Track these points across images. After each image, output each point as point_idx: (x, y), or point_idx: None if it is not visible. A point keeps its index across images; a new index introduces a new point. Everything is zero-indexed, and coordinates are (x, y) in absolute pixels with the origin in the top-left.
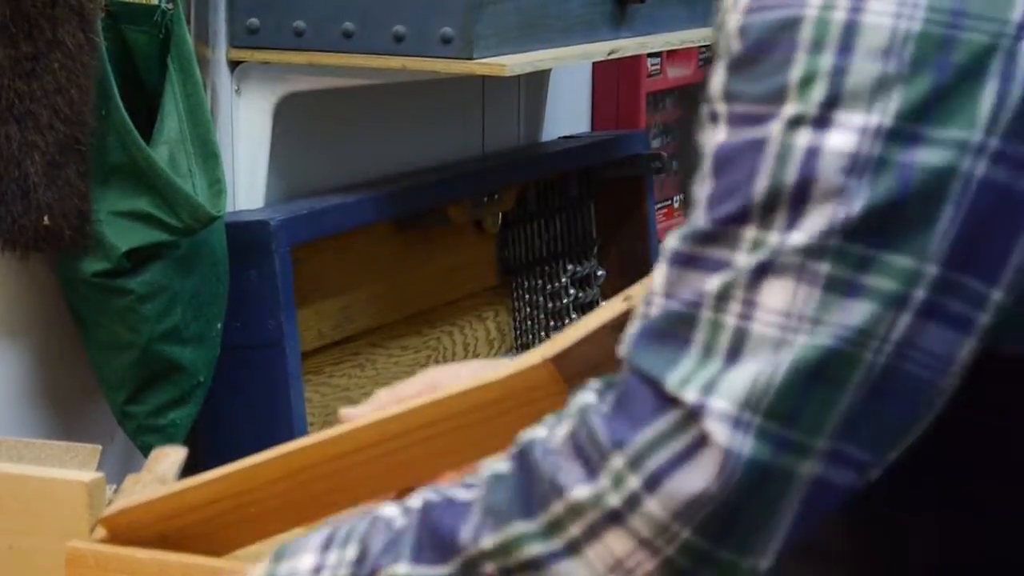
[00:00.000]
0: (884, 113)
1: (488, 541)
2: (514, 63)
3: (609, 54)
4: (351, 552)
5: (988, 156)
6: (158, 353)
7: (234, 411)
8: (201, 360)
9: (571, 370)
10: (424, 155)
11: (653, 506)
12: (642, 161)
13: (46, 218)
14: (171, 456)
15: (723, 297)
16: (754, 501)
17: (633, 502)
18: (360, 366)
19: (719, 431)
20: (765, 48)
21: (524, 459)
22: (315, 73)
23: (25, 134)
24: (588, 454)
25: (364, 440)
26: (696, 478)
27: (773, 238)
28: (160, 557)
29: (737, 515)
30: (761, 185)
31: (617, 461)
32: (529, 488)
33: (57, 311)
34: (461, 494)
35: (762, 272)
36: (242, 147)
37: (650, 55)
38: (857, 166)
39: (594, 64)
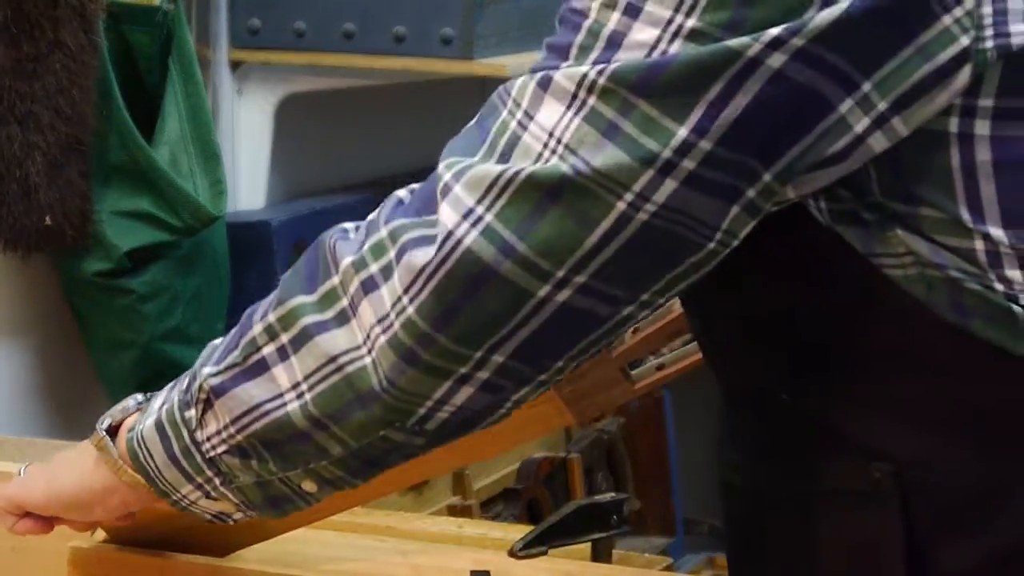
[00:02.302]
0: (691, 12)
1: (272, 316)
2: (514, 63)
3: None
4: (184, 380)
5: (788, 51)
6: (159, 353)
7: None
8: None
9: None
10: (424, 155)
11: (395, 277)
12: None
13: (47, 218)
14: None
15: (516, 102)
16: (470, 293)
17: (387, 271)
18: None
19: (448, 214)
20: None
21: (316, 245)
22: (316, 74)
23: (26, 134)
24: (368, 232)
25: None
26: (425, 253)
27: (564, 63)
28: (161, 557)
29: (454, 303)
30: (571, 52)
31: (383, 233)
32: (314, 266)
33: (58, 311)
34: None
35: (543, 86)
36: (243, 147)
37: None
38: (653, 57)
39: None
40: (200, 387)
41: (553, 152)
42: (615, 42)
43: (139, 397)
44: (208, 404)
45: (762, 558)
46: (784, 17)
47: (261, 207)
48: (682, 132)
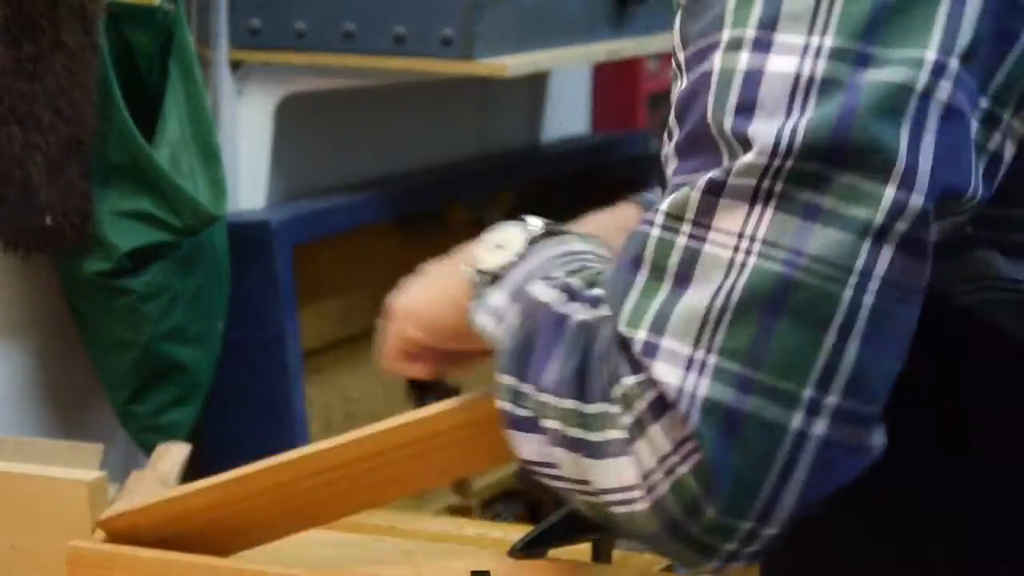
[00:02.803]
0: (826, 32)
1: (548, 398)
2: (514, 63)
3: (609, 54)
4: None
5: (950, 78)
6: (159, 353)
7: (235, 411)
8: (202, 360)
9: None
10: (424, 155)
11: (655, 438)
12: (642, 161)
13: (48, 218)
14: (174, 453)
15: (675, 217)
16: (734, 452)
17: (640, 426)
18: (360, 365)
19: (667, 372)
20: None
21: (589, 350)
22: (316, 74)
23: (27, 135)
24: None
25: (364, 450)
26: (662, 438)
27: (723, 161)
28: (161, 556)
29: (719, 469)
30: (709, 115)
31: (611, 415)
32: (579, 371)
33: (59, 311)
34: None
35: (712, 192)
36: (243, 147)
37: (650, 55)
38: (800, 87)
39: (594, 64)
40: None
41: (749, 253)
42: (752, 81)
43: (520, 243)
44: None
45: None
46: (919, 22)
47: (261, 207)
48: (889, 191)
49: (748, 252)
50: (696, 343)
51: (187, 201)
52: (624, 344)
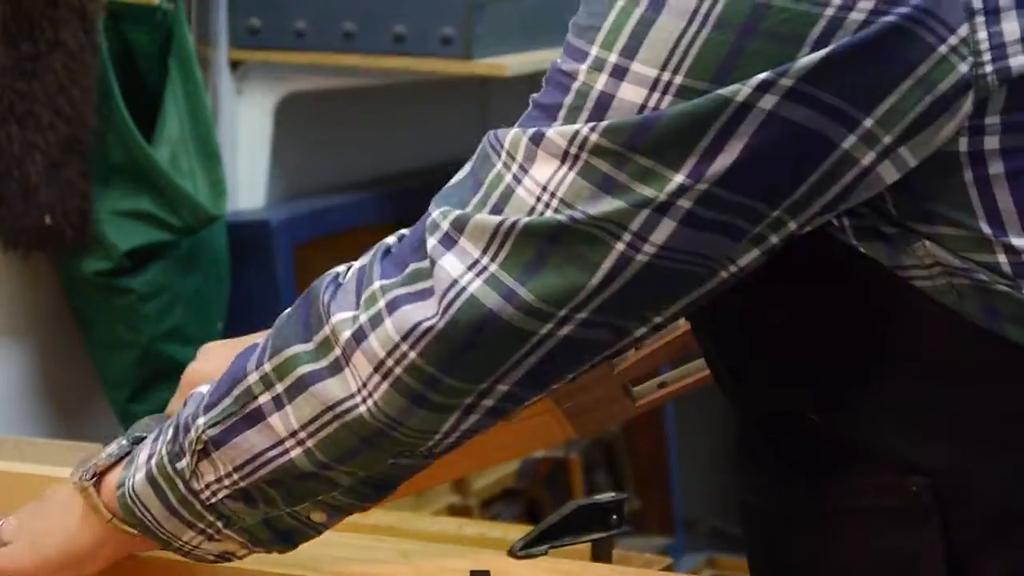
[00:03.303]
0: (678, 70)
1: (268, 365)
2: (514, 63)
3: None
4: (170, 431)
5: (779, 92)
6: (159, 352)
7: None
8: None
9: (560, 390)
10: (424, 155)
11: (389, 327)
12: None
13: (47, 217)
14: None
15: (510, 155)
16: (474, 339)
17: (376, 321)
18: None
19: (453, 264)
20: None
21: (309, 293)
22: (316, 73)
23: (26, 134)
24: (360, 287)
25: None
26: (424, 305)
27: (558, 123)
28: (160, 556)
29: (459, 348)
30: (561, 114)
31: (375, 287)
32: (307, 316)
33: (58, 310)
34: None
35: (536, 141)
36: (243, 147)
37: None
38: (643, 116)
39: None
40: (197, 438)
41: (547, 206)
42: (604, 104)
43: (123, 443)
44: (205, 453)
45: None
46: (771, 66)
47: (261, 207)
48: (678, 178)
49: (547, 205)
50: (483, 251)
51: (187, 201)
52: (430, 231)
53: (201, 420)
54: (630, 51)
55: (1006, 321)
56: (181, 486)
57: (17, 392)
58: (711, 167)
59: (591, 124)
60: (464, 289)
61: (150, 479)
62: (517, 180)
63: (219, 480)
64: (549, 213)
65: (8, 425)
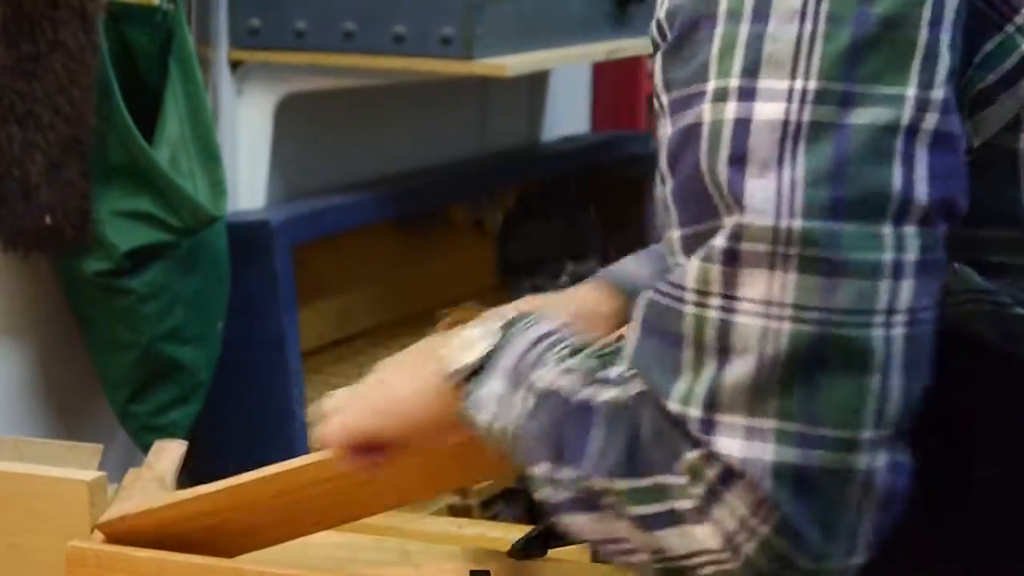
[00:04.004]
0: (808, 74)
1: (620, 483)
2: (514, 63)
3: (609, 54)
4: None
5: (935, 109)
6: (159, 352)
7: (234, 411)
8: (202, 359)
9: None
10: (424, 155)
11: (705, 531)
12: (642, 161)
13: (47, 218)
14: (171, 451)
15: (700, 291)
16: (812, 506)
17: (714, 494)
18: (360, 366)
19: (731, 445)
20: (689, 28)
21: (637, 424)
22: (316, 73)
23: (26, 134)
24: (673, 456)
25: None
26: (733, 510)
27: (721, 215)
28: (160, 557)
29: (801, 526)
30: (703, 165)
31: (665, 484)
32: (629, 453)
33: (59, 311)
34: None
35: (731, 262)
36: (243, 147)
37: (650, 55)
38: (788, 134)
39: (594, 64)
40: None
41: (781, 319)
42: (741, 131)
43: (490, 336)
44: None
45: None
46: (896, 55)
47: (261, 207)
48: (887, 230)
49: (780, 318)
50: (751, 413)
51: (187, 201)
52: (678, 422)
53: (583, 469)
54: (751, 69)
55: (1018, 345)
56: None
57: (17, 392)
58: (913, 205)
59: (786, 209)
60: (759, 461)
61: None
62: (729, 310)
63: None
64: (788, 326)
65: (8, 425)
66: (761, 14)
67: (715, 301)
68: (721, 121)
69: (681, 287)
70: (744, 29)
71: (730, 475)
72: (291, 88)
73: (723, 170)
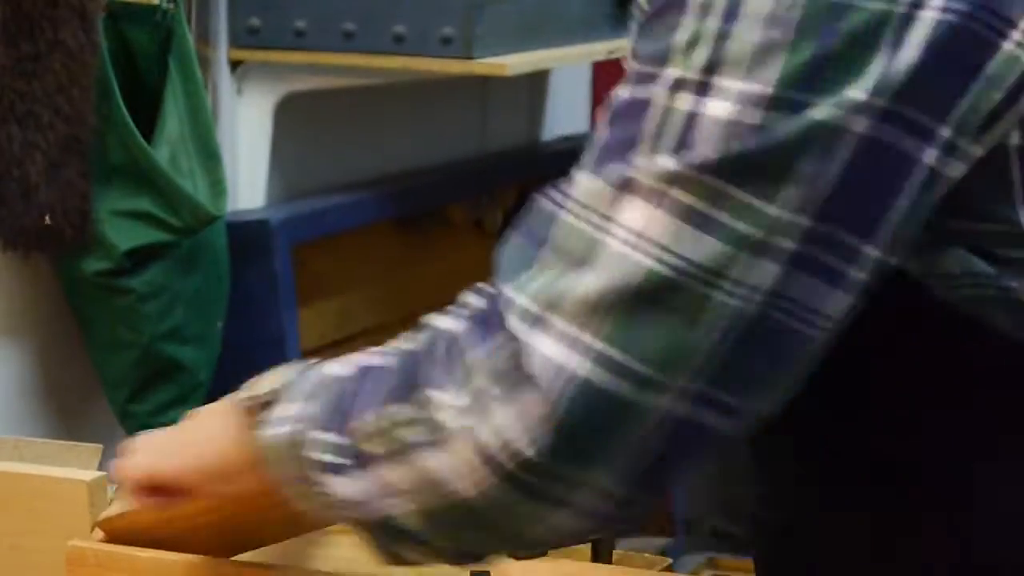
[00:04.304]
0: (765, 81)
1: (369, 420)
2: (514, 63)
3: (609, 54)
4: (326, 405)
5: (873, 114)
6: (159, 352)
7: None
8: (202, 359)
9: None
10: (424, 155)
11: (498, 417)
12: None
13: (47, 217)
14: None
15: (586, 205)
16: (593, 424)
17: (482, 411)
18: None
19: (552, 348)
20: (663, 9)
21: (450, 342)
22: (316, 73)
23: (26, 134)
24: (456, 363)
25: None
26: (532, 401)
27: (637, 158)
28: (160, 556)
29: (575, 436)
30: (643, 147)
31: (475, 383)
32: (408, 383)
33: (58, 310)
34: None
35: (621, 186)
36: (243, 147)
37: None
38: (734, 135)
39: (594, 64)
40: (308, 460)
41: (645, 254)
42: (690, 128)
43: (288, 374)
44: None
45: None
46: (853, 69)
47: (261, 207)
48: (773, 211)
49: (646, 253)
50: (583, 327)
51: (186, 200)
52: (508, 307)
53: (315, 456)
54: (711, 66)
55: None
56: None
57: (17, 392)
58: (808, 197)
59: (679, 156)
60: (574, 375)
61: (290, 449)
62: (605, 231)
63: (335, 504)
64: (648, 263)
65: (8, 425)
66: (732, 13)
67: (593, 217)
68: (671, 109)
69: (566, 196)
70: (713, 24)
71: (525, 379)
72: (291, 88)
73: (663, 155)
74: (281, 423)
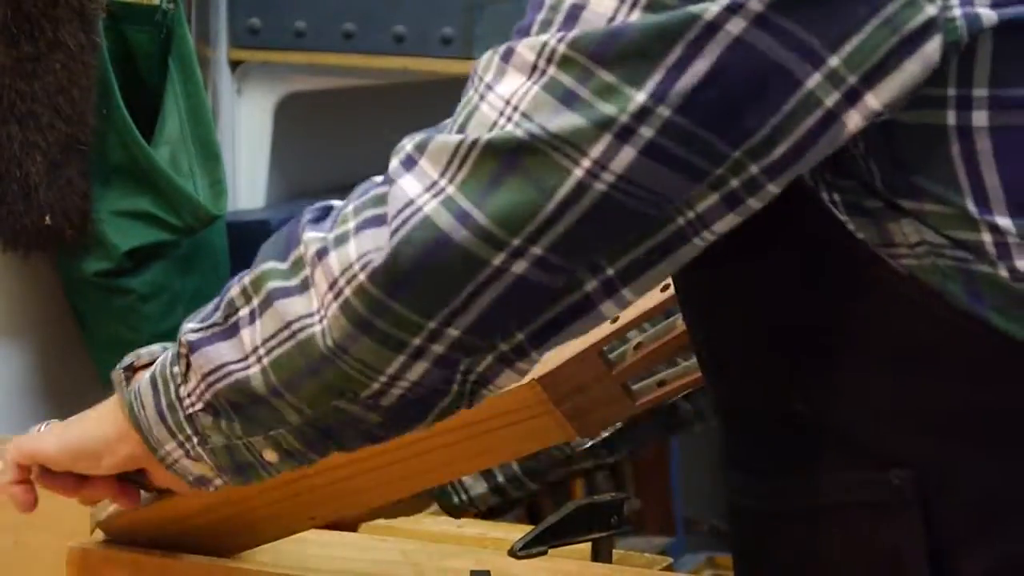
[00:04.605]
0: None
1: (247, 278)
2: None
3: None
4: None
5: (749, 18)
6: None
7: None
8: None
9: (558, 390)
10: None
11: (351, 245)
12: None
13: (47, 217)
14: None
15: (480, 77)
16: (425, 262)
17: (340, 241)
18: None
19: (411, 184)
20: None
21: (297, 216)
22: (316, 73)
23: (26, 134)
24: (341, 210)
25: (353, 456)
26: (381, 223)
27: (527, 37)
28: (161, 556)
29: (409, 271)
30: (532, 28)
31: (348, 208)
32: (289, 235)
33: (58, 310)
34: None
35: (505, 58)
36: (243, 147)
37: None
38: (612, 20)
39: None
40: (181, 342)
41: (508, 119)
42: (574, 15)
43: (166, 344)
44: (187, 360)
45: None
46: None
47: (261, 207)
48: (640, 97)
49: (508, 119)
50: (443, 171)
51: (187, 201)
52: (395, 152)
53: (189, 325)
54: None
55: (989, 307)
56: (172, 390)
57: (17, 392)
58: (673, 88)
59: (559, 35)
60: (419, 210)
61: (152, 379)
62: (482, 97)
63: (195, 389)
64: (509, 127)
65: (8, 425)
66: None
67: (480, 86)
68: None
69: (476, 68)
70: None
71: (382, 213)
72: (291, 88)
73: (545, 34)
74: (149, 372)
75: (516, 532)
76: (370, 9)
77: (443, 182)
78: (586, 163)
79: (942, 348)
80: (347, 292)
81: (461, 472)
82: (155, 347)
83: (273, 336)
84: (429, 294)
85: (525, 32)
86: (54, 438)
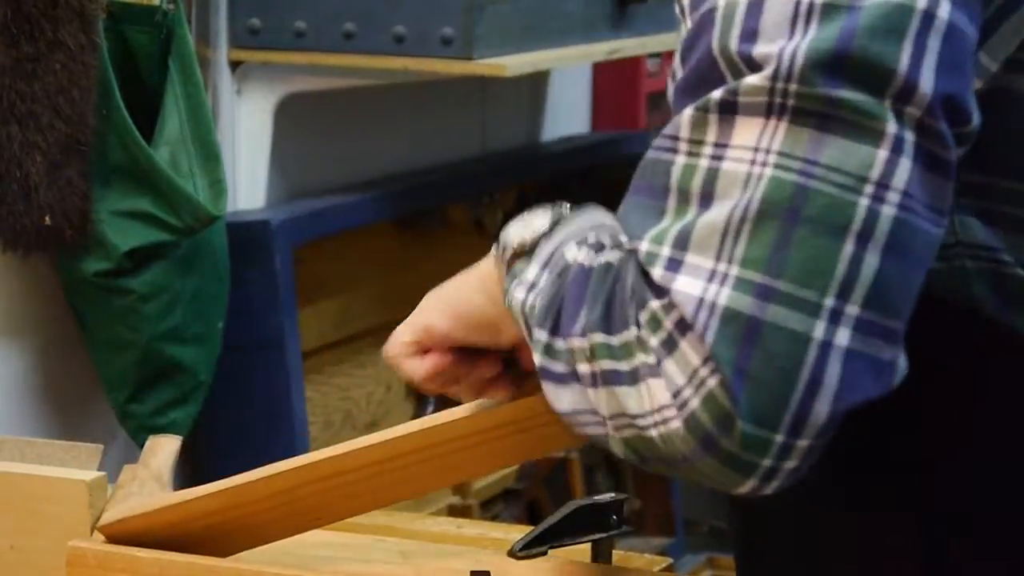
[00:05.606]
0: None
1: (576, 342)
2: (514, 63)
3: (609, 54)
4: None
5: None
6: (159, 353)
7: (234, 411)
8: (202, 360)
9: None
10: (424, 155)
11: (670, 369)
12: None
13: (47, 218)
14: (166, 447)
15: (694, 140)
16: (756, 363)
17: (669, 345)
18: (360, 365)
19: (690, 285)
20: None
21: (616, 276)
22: (316, 73)
23: (26, 134)
24: (617, 319)
25: (364, 459)
26: (685, 344)
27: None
28: (161, 556)
29: (738, 381)
30: (715, 46)
31: (629, 343)
32: (611, 307)
33: (58, 311)
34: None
35: (727, 110)
36: (243, 147)
37: (650, 55)
38: (800, 13)
39: (594, 64)
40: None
41: (764, 165)
42: (773, 31)
43: (549, 218)
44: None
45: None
46: None
47: (261, 207)
48: (886, 102)
49: (764, 164)
50: (717, 256)
51: (187, 201)
52: (647, 267)
53: (540, 335)
54: None
55: (1016, 310)
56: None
57: (17, 392)
58: (919, 86)
59: (788, 55)
60: (713, 304)
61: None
62: (718, 158)
63: None
64: (771, 171)
65: (8, 425)
66: None
67: (707, 150)
68: (735, 4)
69: (675, 137)
70: None
71: (684, 324)
72: (291, 88)
73: (734, 44)
74: (519, 287)
75: (516, 532)
76: (370, 9)
77: (723, 265)
78: (869, 188)
79: (954, 351)
80: (683, 418)
81: (467, 477)
82: (536, 222)
83: (616, 416)
84: (770, 397)
85: (712, 77)
86: (445, 310)
